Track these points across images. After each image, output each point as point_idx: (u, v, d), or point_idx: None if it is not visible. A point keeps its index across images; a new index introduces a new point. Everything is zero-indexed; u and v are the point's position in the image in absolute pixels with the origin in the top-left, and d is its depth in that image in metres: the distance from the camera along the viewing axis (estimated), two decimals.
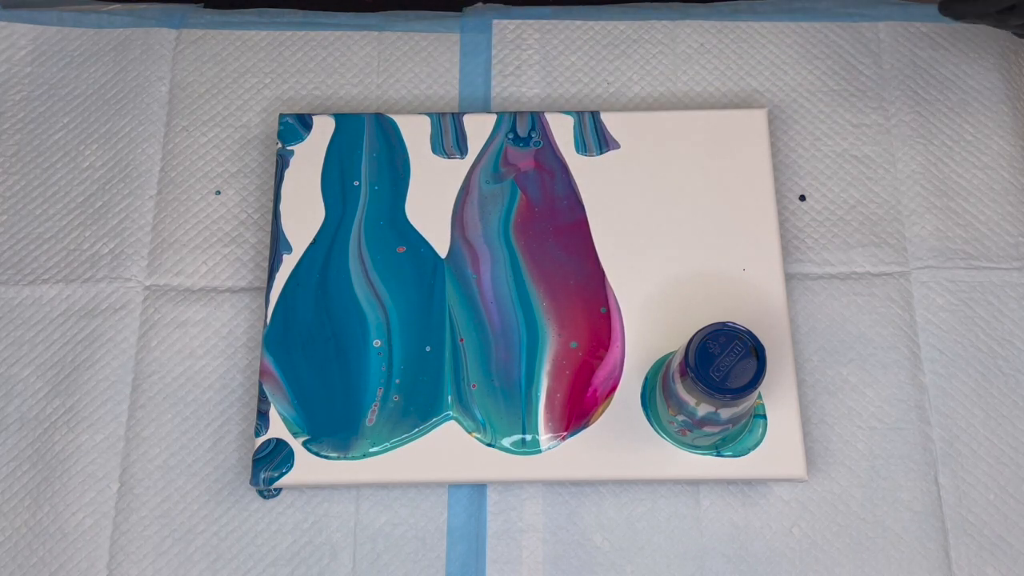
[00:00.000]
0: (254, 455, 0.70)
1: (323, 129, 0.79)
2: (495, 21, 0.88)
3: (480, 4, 0.90)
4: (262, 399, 0.71)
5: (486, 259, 0.75)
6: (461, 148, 0.79)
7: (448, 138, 0.79)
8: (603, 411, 0.71)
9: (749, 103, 0.84)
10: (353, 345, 0.73)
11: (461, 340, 0.73)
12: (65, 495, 0.72)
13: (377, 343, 0.73)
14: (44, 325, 0.77)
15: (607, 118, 0.80)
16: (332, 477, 0.70)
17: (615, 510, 0.72)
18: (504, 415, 0.71)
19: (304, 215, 0.77)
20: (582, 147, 0.79)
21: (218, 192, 0.81)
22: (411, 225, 0.76)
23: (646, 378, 0.72)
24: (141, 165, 0.82)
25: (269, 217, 0.80)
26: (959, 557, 0.70)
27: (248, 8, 0.90)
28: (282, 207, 0.77)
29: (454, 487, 0.73)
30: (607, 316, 0.73)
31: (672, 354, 0.69)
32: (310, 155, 0.79)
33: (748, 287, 0.74)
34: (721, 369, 0.61)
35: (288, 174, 0.78)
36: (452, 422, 0.71)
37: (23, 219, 0.81)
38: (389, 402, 0.71)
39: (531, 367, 0.72)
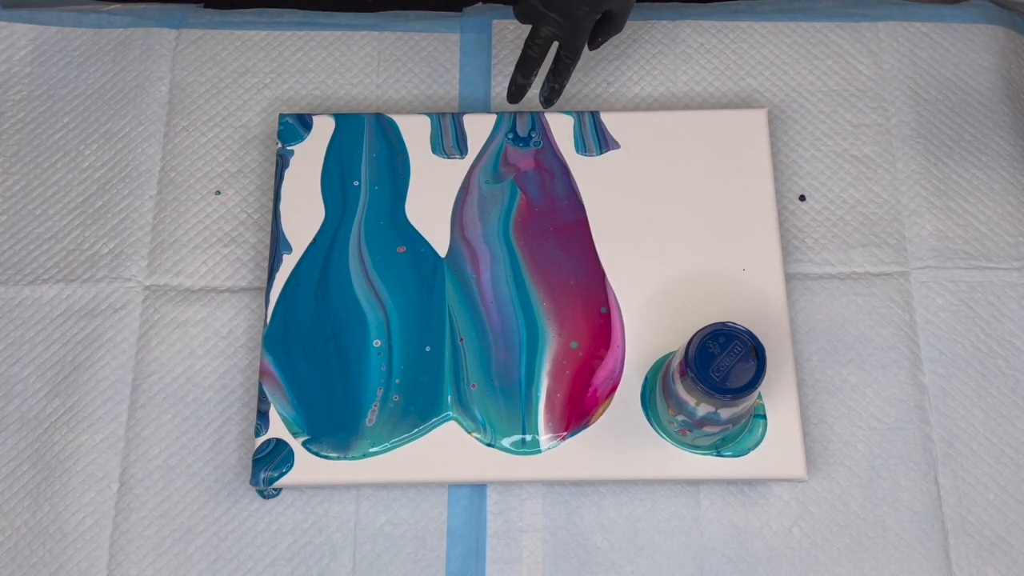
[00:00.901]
0: (254, 455, 0.70)
1: (323, 129, 0.79)
2: (495, 21, 0.88)
3: (480, 4, 0.90)
4: (262, 399, 0.71)
5: (486, 259, 0.75)
6: (461, 148, 0.79)
7: (448, 138, 0.79)
8: (603, 411, 0.71)
9: (749, 103, 0.84)
10: (353, 345, 0.73)
11: (461, 340, 0.73)
12: (65, 495, 0.72)
13: (377, 343, 0.73)
14: (44, 325, 0.77)
15: (607, 118, 0.80)
16: (332, 477, 0.70)
17: (615, 510, 0.72)
18: (504, 415, 0.71)
19: (304, 215, 0.77)
20: (582, 147, 0.79)
21: (218, 192, 0.81)
22: (411, 225, 0.76)
23: (646, 378, 0.72)
24: (141, 165, 0.82)
25: (269, 217, 0.80)
26: (959, 557, 0.70)
27: (248, 8, 0.90)
28: (282, 207, 0.77)
29: (454, 487, 0.73)
30: (607, 316, 0.73)
31: (672, 354, 0.69)
32: (310, 155, 0.79)
33: (748, 287, 0.74)
34: (721, 369, 0.61)
35: (288, 174, 0.78)
36: (452, 422, 0.71)
37: (23, 219, 0.81)
38: (389, 402, 0.71)
39: (531, 367, 0.72)
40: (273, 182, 0.80)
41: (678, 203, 0.77)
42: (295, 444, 0.70)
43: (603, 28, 0.75)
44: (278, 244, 0.76)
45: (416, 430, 0.70)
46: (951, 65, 0.85)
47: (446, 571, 0.70)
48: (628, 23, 0.87)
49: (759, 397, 0.71)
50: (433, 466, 0.70)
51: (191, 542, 0.71)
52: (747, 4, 0.89)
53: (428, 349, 0.73)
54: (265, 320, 0.74)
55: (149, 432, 0.74)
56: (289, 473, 0.69)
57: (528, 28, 0.75)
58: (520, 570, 0.70)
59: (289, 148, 0.79)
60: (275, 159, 0.81)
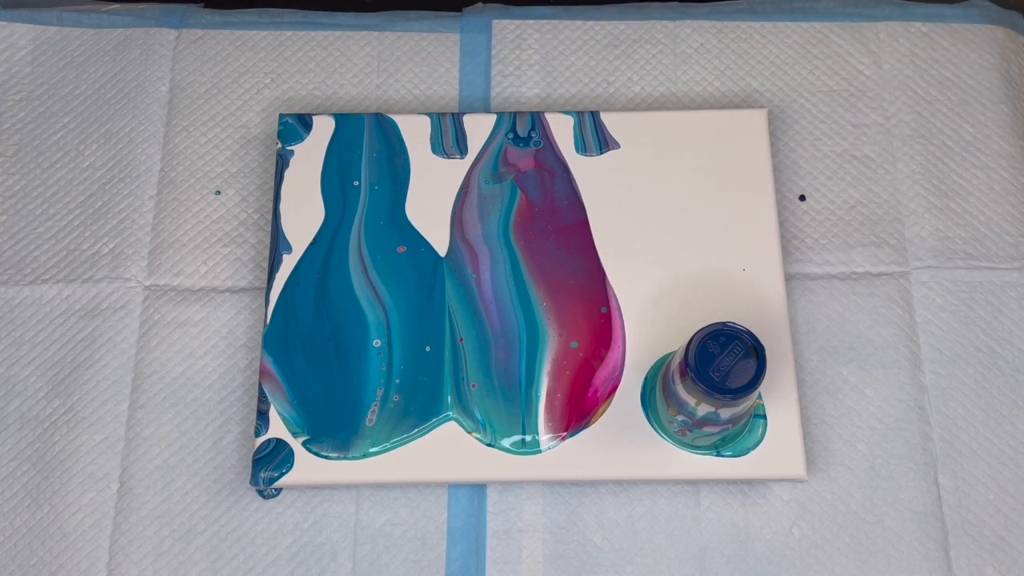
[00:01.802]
0: (254, 455, 0.70)
1: (323, 129, 0.79)
2: (495, 21, 0.88)
3: (480, 4, 0.90)
4: (262, 399, 0.71)
5: (485, 259, 0.75)
6: (461, 148, 0.79)
7: (448, 138, 0.79)
8: (603, 411, 0.71)
9: (749, 103, 0.84)
10: (353, 345, 0.73)
11: (461, 340, 0.73)
12: (65, 495, 0.72)
13: (377, 343, 0.73)
14: (44, 325, 0.77)
15: (607, 118, 0.80)
16: (332, 477, 0.70)
17: (615, 510, 0.72)
18: (504, 415, 0.71)
19: (304, 215, 0.77)
20: (582, 147, 0.79)
21: (218, 192, 0.81)
22: (411, 225, 0.76)
23: (646, 378, 0.72)
24: (141, 165, 0.82)
25: (269, 217, 0.80)
26: (959, 557, 0.70)
27: (248, 8, 0.90)
28: (282, 207, 0.77)
29: (454, 487, 0.73)
30: (608, 316, 0.73)
31: (672, 354, 0.69)
32: (310, 155, 0.79)
33: (748, 287, 0.74)
34: (721, 369, 0.61)
35: (288, 174, 0.78)
36: (452, 422, 0.71)
37: (23, 219, 0.81)
38: (389, 402, 0.71)
39: (531, 367, 0.72)
40: (273, 182, 0.80)
41: (678, 203, 0.77)
42: (295, 444, 0.70)
43: None
44: (278, 244, 0.76)
45: (416, 430, 0.70)
46: (951, 65, 0.85)
47: (446, 571, 0.70)
48: (628, 23, 0.87)
49: (759, 397, 0.71)
50: (433, 466, 0.70)
51: (191, 542, 0.71)
52: (747, 4, 0.89)
53: (428, 349, 0.73)
54: (265, 320, 0.74)
55: (149, 432, 0.74)
56: (289, 473, 0.69)
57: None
58: (520, 570, 0.70)
59: (289, 148, 0.79)
60: (275, 159, 0.81)
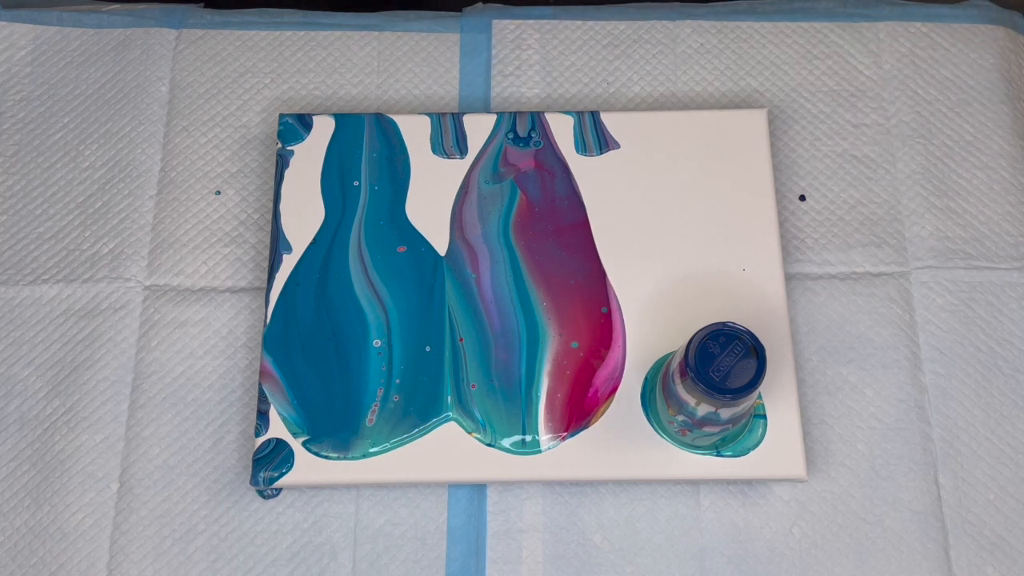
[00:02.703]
0: (254, 455, 0.70)
1: (323, 129, 0.79)
2: (495, 21, 0.88)
3: (480, 4, 0.90)
4: (262, 399, 0.71)
5: (485, 259, 0.75)
6: (461, 148, 0.79)
7: (448, 138, 0.79)
8: (604, 411, 0.71)
9: (749, 103, 0.84)
10: (353, 345, 0.73)
11: (461, 340, 0.73)
12: (65, 495, 0.72)
13: (377, 343, 0.73)
14: (44, 325, 0.77)
15: (607, 118, 0.80)
16: (332, 477, 0.70)
17: (615, 510, 0.72)
18: (504, 415, 0.71)
19: (304, 215, 0.77)
20: (582, 147, 0.79)
21: (218, 192, 0.81)
22: (411, 225, 0.76)
23: (646, 378, 0.72)
24: (141, 165, 0.82)
25: (269, 217, 0.80)
26: (959, 557, 0.70)
27: (248, 8, 0.90)
28: (282, 207, 0.77)
29: (454, 487, 0.73)
30: (608, 316, 0.73)
31: (672, 354, 0.69)
32: (310, 155, 0.79)
33: (748, 287, 0.74)
34: (721, 369, 0.61)
35: (288, 174, 0.78)
36: (452, 422, 0.71)
37: (23, 219, 0.81)
38: (389, 402, 0.71)
39: (531, 367, 0.72)
40: (273, 182, 0.80)
41: (678, 203, 0.77)
42: (295, 444, 0.70)
43: None
44: (278, 244, 0.76)
45: (416, 430, 0.70)
46: (951, 65, 0.85)
47: (446, 571, 0.70)
48: (628, 23, 0.87)
49: (759, 397, 0.71)
50: (433, 466, 0.70)
51: (191, 542, 0.71)
52: (747, 4, 0.89)
53: (428, 349, 0.73)
54: (265, 320, 0.74)
55: (149, 432, 0.74)
56: (289, 473, 0.69)
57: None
58: (520, 570, 0.70)
59: (289, 148, 0.79)
60: (275, 159, 0.81)
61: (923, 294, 0.77)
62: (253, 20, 0.88)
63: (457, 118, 0.80)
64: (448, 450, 0.70)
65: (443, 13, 0.89)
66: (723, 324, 0.62)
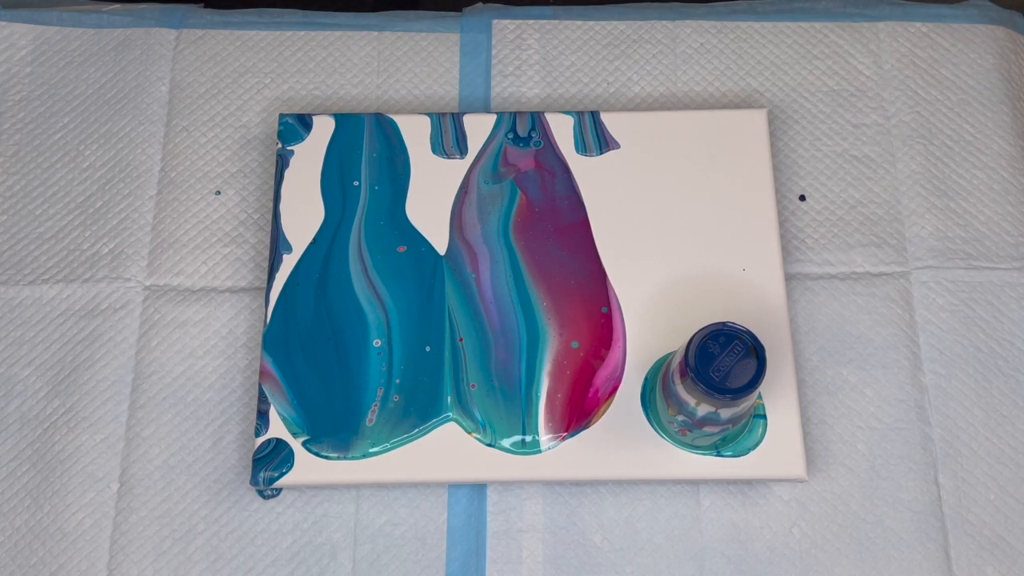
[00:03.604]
0: (254, 455, 0.70)
1: (323, 129, 0.79)
2: (495, 21, 0.88)
3: (480, 4, 0.90)
4: (262, 399, 0.71)
5: (485, 259, 0.75)
6: (461, 148, 0.79)
7: (448, 138, 0.79)
8: (604, 411, 0.71)
9: (749, 103, 0.84)
10: (353, 345, 0.73)
11: (461, 340, 0.73)
12: (65, 495, 0.72)
13: (377, 343, 0.73)
14: (44, 325, 0.77)
15: (607, 118, 0.80)
16: (332, 477, 0.70)
17: (615, 510, 0.72)
18: (504, 415, 0.71)
19: (304, 215, 0.77)
20: (582, 147, 0.79)
21: (218, 192, 0.81)
22: (411, 225, 0.76)
23: (646, 378, 0.72)
24: (141, 165, 0.82)
25: (269, 217, 0.80)
26: (959, 557, 0.70)
27: (248, 8, 0.90)
28: (282, 207, 0.77)
29: (454, 487, 0.73)
30: (608, 316, 0.73)
31: (672, 354, 0.69)
32: (310, 155, 0.79)
33: (748, 287, 0.74)
34: (721, 369, 0.61)
35: (288, 174, 0.78)
36: (452, 423, 0.71)
37: (23, 219, 0.81)
38: (389, 402, 0.71)
39: (531, 367, 0.72)
40: (273, 182, 0.80)
41: (678, 203, 0.77)
42: (295, 444, 0.70)
43: None
44: (278, 244, 0.76)
45: (416, 430, 0.70)
46: (951, 65, 0.85)
47: (446, 571, 0.70)
48: (628, 23, 0.87)
49: (759, 397, 0.71)
50: (433, 466, 0.70)
51: (191, 542, 0.71)
52: (747, 4, 0.89)
53: (428, 349, 0.73)
54: (265, 320, 0.74)
55: (149, 432, 0.74)
56: (289, 473, 0.69)
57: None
58: (520, 570, 0.70)
59: (289, 148, 0.79)
60: (275, 159, 0.81)
61: (923, 294, 0.77)
62: (253, 20, 0.88)
63: (457, 118, 0.80)
64: (448, 450, 0.70)
65: (443, 13, 0.89)
66: (723, 324, 0.62)
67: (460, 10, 0.89)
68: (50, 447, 0.73)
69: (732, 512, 0.71)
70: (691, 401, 0.63)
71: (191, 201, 0.81)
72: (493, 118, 0.80)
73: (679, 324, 0.72)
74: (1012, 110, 0.84)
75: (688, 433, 0.68)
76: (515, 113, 0.80)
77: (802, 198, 0.81)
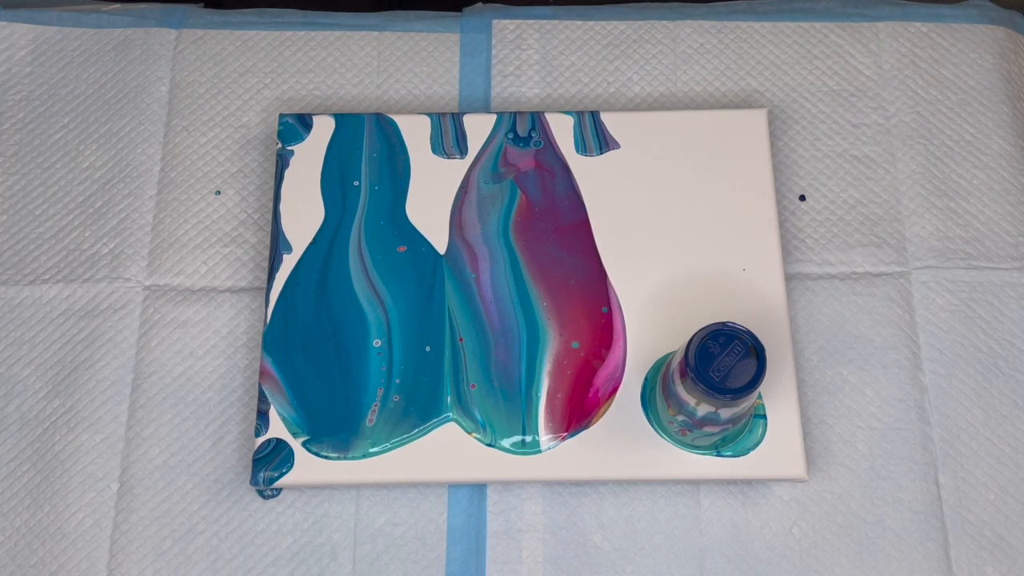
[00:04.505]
0: (254, 455, 0.70)
1: (323, 129, 0.79)
2: (495, 21, 0.88)
3: (480, 4, 0.90)
4: (262, 399, 0.71)
5: (485, 259, 0.75)
6: (461, 148, 0.79)
7: (448, 138, 0.79)
8: (604, 411, 0.71)
9: (749, 103, 0.84)
10: (353, 345, 0.73)
11: (461, 340, 0.73)
12: (65, 495, 0.72)
13: (377, 343, 0.73)
14: (44, 325, 0.77)
15: (607, 118, 0.80)
16: (332, 477, 0.70)
17: (615, 510, 0.72)
18: (504, 415, 0.71)
19: (304, 215, 0.77)
20: (582, 147, 0.79)
21: (218, 192, 0.81)
22: (411, 225, 0.76)
23: (646, 378, 0.72)
24: (141, 165, 0.82)
25: (269, 217, 0.80)
26: (959, 557, 0.70)
27: (248, 8, 0.90)
28: (282, 207, 0.77)
29: (454, 487, 0.73)
30: (608, 316, 0.73)
31: (672, 354, 0.69)
32: (310, 155, 0.79)
33: (748, 287, 0.74)
34: (721, 369, 0.61)
35: (288, 174, 0.78)
36: (452, 423, 0.71)
37: (23, 219, 0.81)
38: (389, 402, 0.71)
39: (531, 367, 0.72)
40: (273, 182, 0.80)
41: (678, 203, 0.77)
42: (295, 444, 0.70)
43: None
44: (278, 244, 0.76)
45: (416, 430, 0.70)
46: (951, 65, 0.85)
47: (446, 571, 0.70)
48: (628, 23, 0.87)
49: (759, 397, 0.71)
50: (433, 466, 0.70)
51: (191, 542, 0.71)
52: (747, 4, 0.89)
53: (428, 349, 0.73)
54: (265, 320, 0.74)
55: (149, 432, 0.74)
56: (289, 473, 0.69)
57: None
58: (520, 570, 0.70)
59: (289, 148, 0.79)
60: (275, 159, 0.81)
61: (923, 294, 0.77)
62: (253, 20, 0.88)
63: (457, 118, 0.80)
64: (448, 450, 0.70)
65: (443, 13, 0.89)
66: (723, 324, 0.62)
67: (460, 10, 0.89)
68: (50, 447, 0.73)
69: (732, 512, 0.71)
70: (691, 401, 0.63)
71: (191, 201, 0.81)
72: (493, 118, 0.80)
73: (679, 324, 0.72)
74: (1012, 110, 0.84)
75: (688, 433, 0.68)
76: (515, 113, 0.80)
77: (802, 198, 0.81)
